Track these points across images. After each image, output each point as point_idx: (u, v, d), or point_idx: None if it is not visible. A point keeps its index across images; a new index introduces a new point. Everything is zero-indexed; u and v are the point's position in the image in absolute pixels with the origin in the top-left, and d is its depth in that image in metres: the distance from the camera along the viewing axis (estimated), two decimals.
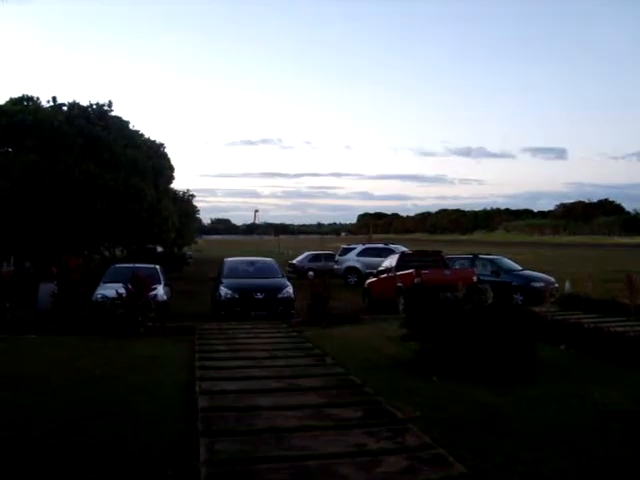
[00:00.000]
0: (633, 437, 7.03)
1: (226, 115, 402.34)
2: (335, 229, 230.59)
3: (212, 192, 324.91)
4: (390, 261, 22.94)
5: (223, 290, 19.08)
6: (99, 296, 17.63)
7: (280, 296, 19.12)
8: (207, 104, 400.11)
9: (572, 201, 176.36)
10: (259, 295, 18.90)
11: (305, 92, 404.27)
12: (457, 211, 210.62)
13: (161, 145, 39.95)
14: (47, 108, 32.79)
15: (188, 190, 57.55)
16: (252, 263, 22.54)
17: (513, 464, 6.17)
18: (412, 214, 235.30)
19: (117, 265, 22.99)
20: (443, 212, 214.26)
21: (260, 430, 7.20)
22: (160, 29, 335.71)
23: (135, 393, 9.07)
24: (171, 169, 41.14)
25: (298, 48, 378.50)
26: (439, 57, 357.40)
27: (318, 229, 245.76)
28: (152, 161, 35.25)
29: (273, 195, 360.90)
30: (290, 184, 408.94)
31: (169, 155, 40.90)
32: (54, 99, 33.46)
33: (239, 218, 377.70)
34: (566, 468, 6.09)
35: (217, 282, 20.07)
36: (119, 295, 15.33)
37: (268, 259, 23.70)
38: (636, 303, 14.60)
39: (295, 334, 15.19)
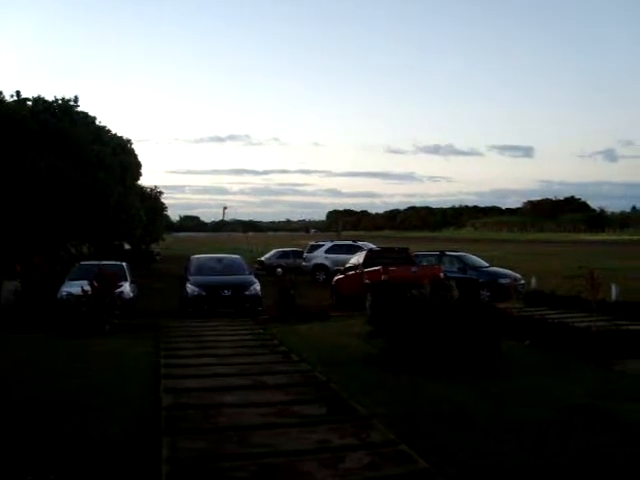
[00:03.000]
0: (594, 431, 7.13)
1: (194, 111, 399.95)
2: (304, 226, 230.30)
3: (180, 189, 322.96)
4: (357, 258, 22.98)
5: (190, 287, 18.99)
6: (64, 293, 17.42)
7: (247, 293, 19.08)
8: (175, 100, 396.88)
9: (539, 198, 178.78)
10: (226, 292, 18.85)
11: (273, 88, 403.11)
12: (426, 208, 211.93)
13: (128, 141, 39.74)
14: (11, 102, 32.23)
15: (156, 187, 57.35)
16: (219, 260, 22.44)
17: (476, 459, 6.21)
18: (381, 211, 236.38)
19: (83, 262, 22.70)
20: (412, 209, 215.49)
21: (224, 428, 7.16)
22: (126, 24, 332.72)
23: (97, 391, 8.96)
24: (138, 165, 40.90)
25: (266, 44, 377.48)
26: (407, 55, 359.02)
27: (287, 226, 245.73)
28: (119, 157, 35.02)
29: (242, 192, 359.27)
30: (259, 181, 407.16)
31: (136, 151, 40.68)
32: (18, 93, 32.87)
33: (208, 215, 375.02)
34: (527, 462, 6.15)
35: (184, 279, 19.96)
36: (84, 292, 15.15)
37: (235, 256, 23.62)
38: (598, 299, 14.79)
39: (262, 331, 15.16)
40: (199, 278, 19.56)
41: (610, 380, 9.73)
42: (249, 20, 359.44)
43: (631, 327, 13.29)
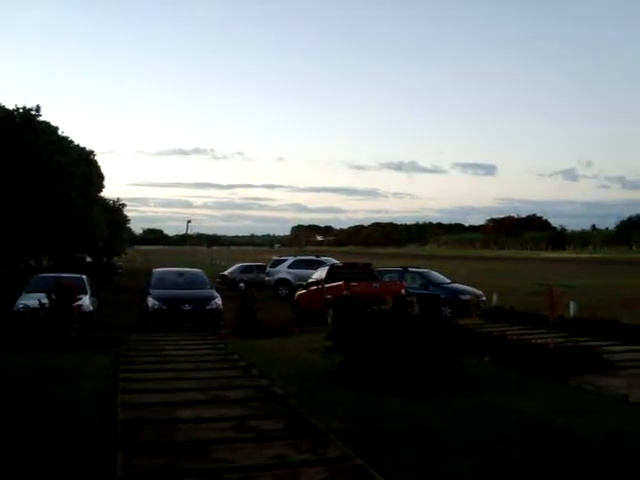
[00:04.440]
0: (550, 445, 7.23)
1: (158, 124, 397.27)
2: (269, 241, 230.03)
3: (144, 202, 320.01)
4: (320, 273, 22.99)
5: (151, 301, 18.81)
6: (21, 306, 17.07)
7: (208, 307, 18.95)
8: (139, 112, 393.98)
9: (502, 216, 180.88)
10: (187, 306, 18.70)
11: (238, 102, 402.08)
12: (390, 224, 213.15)
13: (91, 152, 39.28)
14: None
15: (118, 199, 56.79)
16: (181, 274, 22.26)
17: (433, 474, 6.26)
18: (345, 227, 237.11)
19: (41, 275, 22.34)
20: (376, 225, 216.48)
21: (181, 443, 7.09)
22: (91, 34, 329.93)
23: (53, 406, 8.83)
24: (101, 177, 40.48)
25: (231, 58, 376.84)
26: (370, 71, 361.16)
27: (251, 240, 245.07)
28: (81, 168, 34.54)
29: (206, 206, 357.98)
30: (223, 195, 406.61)
31: (99, 163, 40.24)
32: None
33: (172, 228, 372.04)
34: (485, 476, 6.21)
35: (145, 293, 19.76)
36: (42, 305, 14.90)
37: (197, 270, 23.48)
38: (556, 315, 14.98)
39: (222, 346, 15.05)
40: (160, 292, 19.38)
41: (566, 395, 9.91)
42: (214, 35, 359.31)
43: (588, 343, 13.51)
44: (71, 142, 36.38)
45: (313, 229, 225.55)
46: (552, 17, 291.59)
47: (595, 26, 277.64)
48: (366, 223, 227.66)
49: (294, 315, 22.89)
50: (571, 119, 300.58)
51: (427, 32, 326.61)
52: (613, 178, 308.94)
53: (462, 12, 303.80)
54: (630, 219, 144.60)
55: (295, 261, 34.87)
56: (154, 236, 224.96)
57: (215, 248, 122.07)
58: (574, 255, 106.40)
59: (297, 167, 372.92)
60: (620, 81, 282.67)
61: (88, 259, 46.75)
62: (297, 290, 25.30)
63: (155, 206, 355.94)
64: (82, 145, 38.59)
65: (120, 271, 53.92)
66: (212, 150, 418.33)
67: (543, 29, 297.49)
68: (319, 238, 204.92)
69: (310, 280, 23.48)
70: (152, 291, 19.46)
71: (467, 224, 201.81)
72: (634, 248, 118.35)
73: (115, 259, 61.78)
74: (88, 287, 19.94)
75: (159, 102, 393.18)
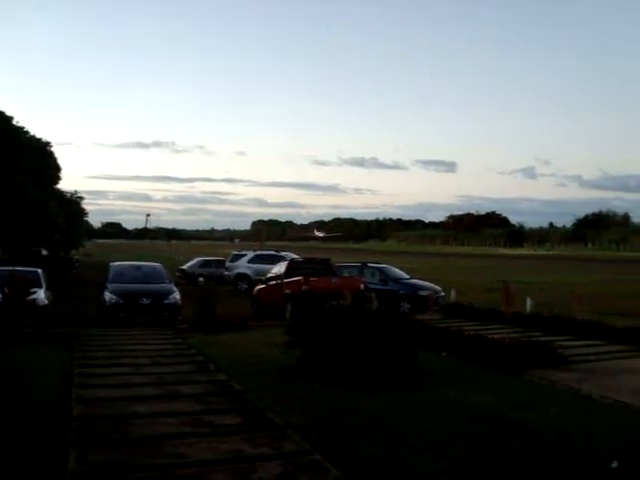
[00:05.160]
0: (503, 438, 7.33)
1: (118, 116, 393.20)
2: (229, 235, 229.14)
3: (103, 195, 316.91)
4: (279, 268, 22.96)
5: (108, 295, 18.58)
6: None
7: (166, 302, 18.79)
8: (98, 104, 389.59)
9: (461, 213, 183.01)
10: (145, 301, 18.51)
11: (198, 96, 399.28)
12: (350, 220, 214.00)
13: (47, 144, 38.57)
14: None
15: (76, 192, 55.97)
16: (139, 268, 22.01)
17: (388, 468, 6.29)
18: (306, 222, 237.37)
19: None
20: (337, 221, 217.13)
21: (135, 438, 7.03)
22: (49, 23, 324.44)
23: (4, 402, 8.67)
24: (57, 169, 39.83)
25: (192, 51, 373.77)
26: (332, 67, 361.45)
27: (212, 235, 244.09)
28: (37, 159, 33.92)
29: (166, 199, 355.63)
30: (183, 188, 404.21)
31: (56, 155, 39.55)
32: None
33: (131, 222, 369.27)
34: (439, 471, 6.26)
35: (102, 287, 19.52)
36: None
37: (155, 264, 23.23)
38: (512, 311, 15.18)
39: (180, 340, 14.94)
40: (117, 286, 19.16)
41: (520, 390, 10.06)
42: (175, 26, 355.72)
43: (542, 338, 13.72)
44: (27, 133, 35.71)
45: (274, 224, 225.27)
46: (511, 16, 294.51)
47: (551, 24, 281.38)
48: (327, 218, 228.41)
49: (253, 310, 22.84)
50: (530, 118, 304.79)
51: (386, 29, 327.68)
52: (571, 177, 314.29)
53: (424, 9, 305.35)
54: (586, 217, 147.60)
55: (255, 256, 34.77)
56: (113, 230, 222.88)
57: (175, 242, 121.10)
58: (532, 252, 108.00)
59: (258, 162, 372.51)
60: (577, 81, 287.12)
61: (44, 252, 46.05)
62: (256, 285, 25.23)
63: (114, 199, 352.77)
64: (38, 136, 37.90)
65: (77, 265, 53.22)
66: (172, 143, 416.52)
67: (503, 27, 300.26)
68: (318, 234, 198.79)
69: (269, 275, 23.44)
70: (109, 285, 19.22)
71: (427, 220, 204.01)
72: (590, 245, 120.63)
73: (72, 252, 60.93)
74: (43, 281, 19.59)
75: (119, 94, 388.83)
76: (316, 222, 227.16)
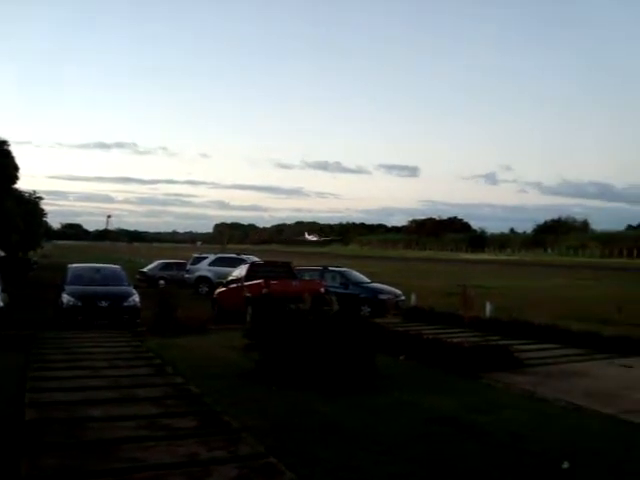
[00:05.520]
0: (458, 441, 7.41)
1: (78, 116, 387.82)
2: (191, 238, 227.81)
3: (63, 195, 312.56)
4: (240, 271, 22.90)
5: (65, 297, 18.32)
6: None
7: (125, 304, 18.59)
8: (58, 103, 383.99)
9: (424, 218, 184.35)
10: (103, 303, 18.30)
11: (161, 96, 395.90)
12: (313, 224, 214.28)
13: (4, 142, 37.86)
14: None
15: (35, 192, 55.15)
16: (98, 270, 21.77)
17: (343, 471, 6.32)
18: (268, 225, 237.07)
19: None
20: (299, 224, 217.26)
21: (89, 442, 6.93)
22: (5, 19, 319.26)
23: None
24: (15, 168, 39.09)
25: (154, 50, 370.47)
26: (295, 71, 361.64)
27: (173, 237, 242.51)
28: None
29: (127, 201, 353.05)
30: (145, 190, 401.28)
31: (14, 153, 38.85)
32: None
33: (91, 224, 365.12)
34: (395, 473, 6.31)
35: (60, 289, 19.25)
36: None
37: (115, 266, 23.01)
38: (471, 315, 15.36)
39: (138, 343, 14.80)
40: (75, 288, 18.91)
41: (477, 393, 10.16)
42: (137, 26, 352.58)
43: (500, 342, 13.91)
44: None
45: (236, 227, 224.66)
46: (476, 23, 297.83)
47: (512, 30, 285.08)
48: (289, 222, 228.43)
49: (213, 313, 22.72)
50: (492, 124, 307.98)
51: (350, 32, 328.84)
52: (532, 183, 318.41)
53: (388, 9, 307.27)
54: (546, 223, 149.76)
55: (216, 259, 34.61)
56: (73, 231, 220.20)
57: (136, 244, 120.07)
58: (493, 257, 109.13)
59: (222, 164, 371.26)
60: (538, 89, 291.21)
61: (1, 253, 45.28)
62: (217, 288, 25.10)
63: (74, 200, 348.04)
64: None
65: (35, 266, 52.41)
66: (134, 144, 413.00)
67: (472, 38, 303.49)
68: (310, 237, 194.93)
69: (230, 278, 23.35)
70: (67, 287, 18.97)
71: (390, 225, 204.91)
72: (549, 251, 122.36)
73: (31, 254, 60.06)
74: None
75: (80, 93, 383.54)
76: (278, 225, 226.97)
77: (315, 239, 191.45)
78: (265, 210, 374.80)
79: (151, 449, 6.72)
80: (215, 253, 38.04)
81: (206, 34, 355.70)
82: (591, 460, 6.84)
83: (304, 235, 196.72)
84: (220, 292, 23.20)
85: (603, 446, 7.38)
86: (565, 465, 6.53)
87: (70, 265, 21.86)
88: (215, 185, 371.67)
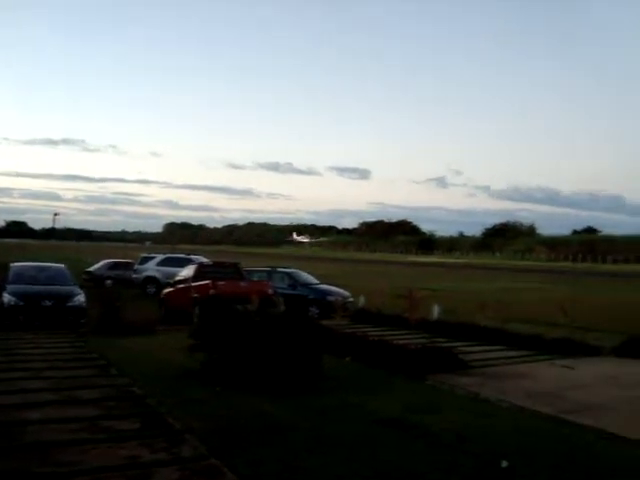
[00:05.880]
0: (403, 442, 7.45)
1: (25, 111, 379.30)
2: (140, 237, 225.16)
3: (7, 192, 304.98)
4: (188, 271, 22.73)
5: (7, 297, 17.91)
6: None
7: (70, 304, 18.26)
8: (4, 97, 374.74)
9: (374, 220, 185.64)
10: (47, 303, 17.93)
11: (110, 93, 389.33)
12: (263, 225, 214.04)
13: None
14: None
15: None
16: (41, 269, 21.32)
17: (287, 472, 6.30)
18: (219, 226, 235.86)
19: None
20: (250, 225, 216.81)
21: (27, 446, 6.78)
22: None
23: None
24: None
25: (103, 45, 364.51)
26: (247, 72, 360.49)
27: (122, 236, 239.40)
28: None
29: (75, 199, 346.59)
30: (94, 189, 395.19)
31: None
32: None
33: (38, 222, 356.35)
34: (339, 474, 6.31)
35: (1, 289, 18.80)
36: None
37: (59, 265, 22.55)
38: (417, 317, 15.47)
39: (82, 344, 14.55)
40: (17, 287, 18.50)
41: (422, 394, 10.24)
42: (88, 20, 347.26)
43: (446, 344, 14.04)
44: None
45: (186, 227, 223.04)
46: (420, 24, 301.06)
47: (461, 32, 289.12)
48: (240, 223, 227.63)
49: (160, 313, 22.49)
50: (444, 128, 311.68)
51: (300, 32, 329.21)
52: (481, 187, 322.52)
53: (327, 9, 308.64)
54: (494, 227, 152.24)
55: (164, 259, 34.23)
56: (18, 229, 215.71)
57: (84, 243, 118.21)
58: (442, 260, 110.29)
59: (173, 163, 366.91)
60: (487, 95, 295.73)
61: None
62: (165, 288, 24.85)
63: (20, 198, 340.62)
64: None
65: None
66: (83, 141, 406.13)
67: (409, 33, 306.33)
68: (300, 239, 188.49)
69: (178, 278, 23.16)
70: (9, 287, 18.54)
71: (340, 227, 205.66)
72: (497, 255, 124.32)
73: None
74: None
75: (26, 88, 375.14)
76: (229, 226, 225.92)
77: (306, 240, 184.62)
78: (216, 210, 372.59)
79: (91, 452, 6.62)
80: (164, 253, 37.61)
81: (156, 29, 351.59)
82: (531, 459, 6.95)
83: (292, 235, 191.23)
84: (167, 292, 22.99)
85: (542, 445, 7.51)
86: (504, 464, 6.63)
87: (12, 264, 21.37)
88: (166, 184, 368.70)
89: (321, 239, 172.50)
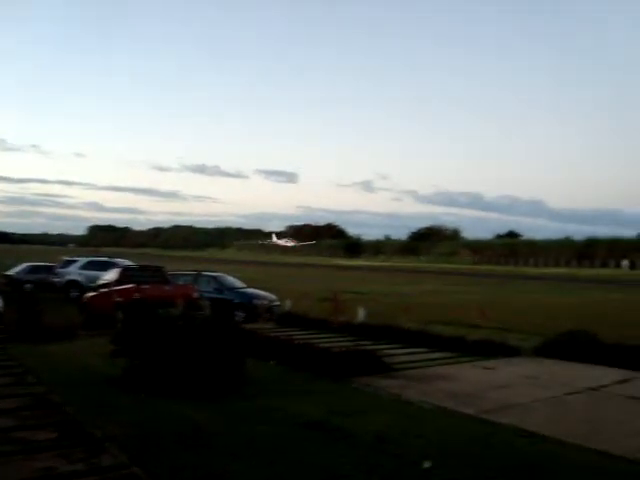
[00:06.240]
0: (326, 444, 7.49)
1: None
2: (63, 240, 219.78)
3: None
4: (111, 275, 22.29)
5: None
6: None
7: None
8: None
9: (301, 224, 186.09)
10: None
11: (32, 90, 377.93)
12: (190, 228, 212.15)
13: None
14: None
15: None
16: None
17: (210, 477, 6.27)
18: (145, 228, 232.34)
19: None
20: (176, 228, 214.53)
21: None
22: None
23: None
24: None
25: (25, 43, 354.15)
26: (174, 73, 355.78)
27: (45, 239, 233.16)
28: None
29: None
30: (14, 189, 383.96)
31: None
32: None
33: None
34: (262, 477, 6.35)
35: None
36: None
37: None
38: (342, 320, 15.57)
39: None
40: None
41: (345, 397, 10.32)
42: (18, 13, 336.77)
43: (371, 347, 14.18)
44: None
45: (111, 229, 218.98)
46: (346, 29, 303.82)
47: (379, 36, 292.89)
48: (166, 225, 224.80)
49: (83, 318, 21.97)
50: (370, 132, 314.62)
51: (234, 32, 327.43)
52: (407, 192, 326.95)
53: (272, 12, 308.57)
54: (419, 231, 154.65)
55: (87, 262, 33.48)
56: None
57: (2, 246, 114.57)
58: (368, 263, 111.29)
59: (97, 164, 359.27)
60: (415, 100, 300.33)
61: None
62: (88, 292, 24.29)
63: None
64: None
65: None
66: (3, 140, 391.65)
67: (338, 38, 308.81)
68: (283, 242, 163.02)
69: (101, 282, 22.68)
70: None
71: (267, 230, 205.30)
72: (422, 258, 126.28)
73: None
74: None
75: None
76: (154, 229, 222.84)
77: (292, 244, 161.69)
78: (141, 213, 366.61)
79: (4, 465, 6.40)
80: (86, 256, 36.80)
81: (75, 28, 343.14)
82: (451, 459, 7.08)
83: (272, 238, 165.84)
84: (90, 297, 22.46)
85: (463, 445, 7.68)
86: (426, 465, 6.73)
87: None
88: (90, 186, 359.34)
89: (302, 243, 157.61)
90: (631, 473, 6.97)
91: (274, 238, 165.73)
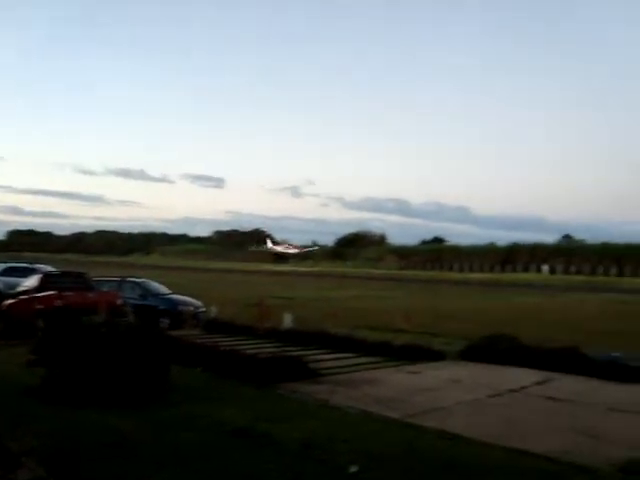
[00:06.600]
0: (252, 450, 7.46)
1: None
2: None
3: None
4: (32, 282, 21.66)
5: None
6: None
7: None
8: None
9: (228, 229, 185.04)
10: None
11: None
12: (114, 233, 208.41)
13: None
14: None
15: None
16: None
17: None
18: (67, 233, 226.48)
19: None
20: (100, 233, 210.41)
21: None
22: None
23: None
24: None
25: None
26: (101, 74, 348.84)
27: None
28: None
29: None
30: None
31: None
32: None
33: None
34: None
35: None
36: None
37: None
38: (267, 327, 15.55)
39: None
40: None
41: (271, 403, 10.33)
42: None
43: (298, 352, 14.23)
44: None
45: (31, 234, 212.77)
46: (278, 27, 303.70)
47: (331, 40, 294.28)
48: (89, 230, 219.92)
49: (1, 327, 21.29)
50: (297, 138, 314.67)
51: (170, 32, 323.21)
52: (334, 198, 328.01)
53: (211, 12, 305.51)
54: (346, 237, 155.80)
55: (6, 268, 32.43)
56: None
57: None
58: (295, 268, 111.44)
59: (15, 166, 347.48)
60: (342, 104, 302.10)
61: None
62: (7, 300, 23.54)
63: None
64: None
65: None
66: None
67: (260, 43, 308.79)
68: (281, 248, 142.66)
69: (21, 288, 22.01)
70: None
71: (193, 235, 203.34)
72: (349, 263, 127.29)
73: None
74: None
75: None
76: (77, 234, 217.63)
77: (294, 251, 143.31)
78: (64, 217, 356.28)
79: None
80: (5, 262, 35.65)
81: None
82: (376, 463, 7.15)
83: (267, 244, 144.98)
84: (9, 304, 21.74)
85: (388, 449, 7.75)
86: (352, 469, 6.77)
87: None
88: (8, 189, 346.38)
89: (316, 248, 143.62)
90: (551, 471, 7.17)
91: (269, 244, 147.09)
